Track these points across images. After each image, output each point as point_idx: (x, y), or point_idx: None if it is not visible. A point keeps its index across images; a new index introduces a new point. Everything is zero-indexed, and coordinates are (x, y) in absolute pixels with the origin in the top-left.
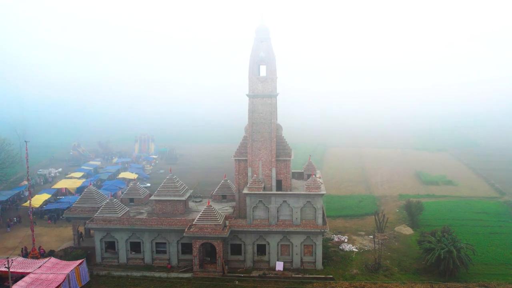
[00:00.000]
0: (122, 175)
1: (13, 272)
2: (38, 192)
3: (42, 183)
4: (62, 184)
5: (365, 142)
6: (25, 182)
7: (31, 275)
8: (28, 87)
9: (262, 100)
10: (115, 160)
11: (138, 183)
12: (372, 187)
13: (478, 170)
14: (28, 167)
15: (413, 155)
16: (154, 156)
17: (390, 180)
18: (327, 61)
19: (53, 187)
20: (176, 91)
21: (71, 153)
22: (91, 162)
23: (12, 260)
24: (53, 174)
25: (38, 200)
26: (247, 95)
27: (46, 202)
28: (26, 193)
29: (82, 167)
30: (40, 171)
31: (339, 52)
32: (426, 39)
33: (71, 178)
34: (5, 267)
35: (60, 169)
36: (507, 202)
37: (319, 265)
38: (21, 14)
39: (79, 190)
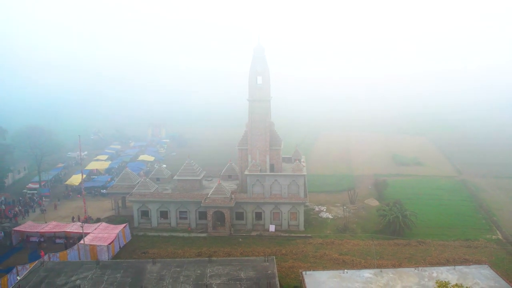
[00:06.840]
0: (142, 157)
1: (78, 232)
2: (73, 172)
3: (73, 164)
4: (92, 165)
5: (354, 127)
6: (61, 164)
7: (90, 234)
8: (37, 71)
9: (259, 104)
10: (132, 144)
11: (160, 165)
12: (353, 168)
13: (447, 152)
14: (80, 153)
15: (394, 139)
16: (166, 140)
17: (369, 161)
18: (312, 47)
19: (85, 168)
20: (181, 75)
21: (92, 137)
22: (112, 146)
23: (82, 224)
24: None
25: (76, 179)
26: (247, 99)
27: (83, 181)
28: (63, 173)
29: (106, 150)
30: (69, 154)
31: (324, 38)
32: (415, 24)
33: (98, 160)
34: (80, 226)
35: (86, 152)
36: (462, 180)
37: (301, 227)
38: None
39: (108, 170)
